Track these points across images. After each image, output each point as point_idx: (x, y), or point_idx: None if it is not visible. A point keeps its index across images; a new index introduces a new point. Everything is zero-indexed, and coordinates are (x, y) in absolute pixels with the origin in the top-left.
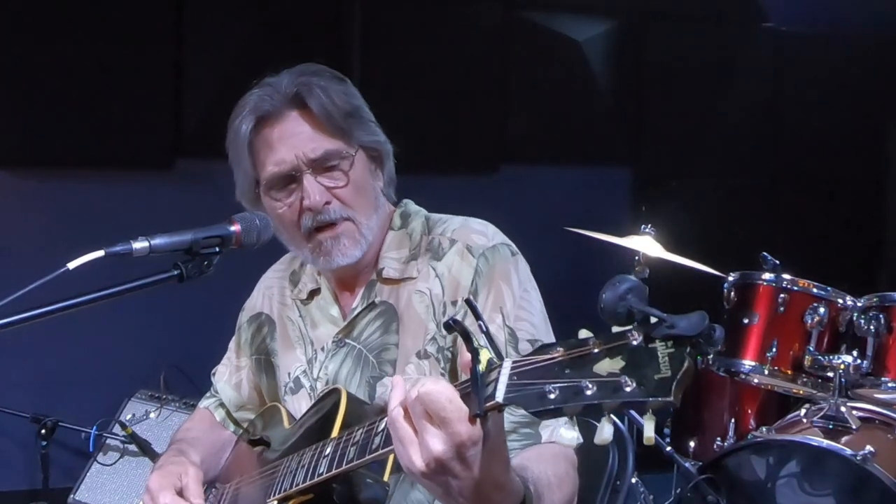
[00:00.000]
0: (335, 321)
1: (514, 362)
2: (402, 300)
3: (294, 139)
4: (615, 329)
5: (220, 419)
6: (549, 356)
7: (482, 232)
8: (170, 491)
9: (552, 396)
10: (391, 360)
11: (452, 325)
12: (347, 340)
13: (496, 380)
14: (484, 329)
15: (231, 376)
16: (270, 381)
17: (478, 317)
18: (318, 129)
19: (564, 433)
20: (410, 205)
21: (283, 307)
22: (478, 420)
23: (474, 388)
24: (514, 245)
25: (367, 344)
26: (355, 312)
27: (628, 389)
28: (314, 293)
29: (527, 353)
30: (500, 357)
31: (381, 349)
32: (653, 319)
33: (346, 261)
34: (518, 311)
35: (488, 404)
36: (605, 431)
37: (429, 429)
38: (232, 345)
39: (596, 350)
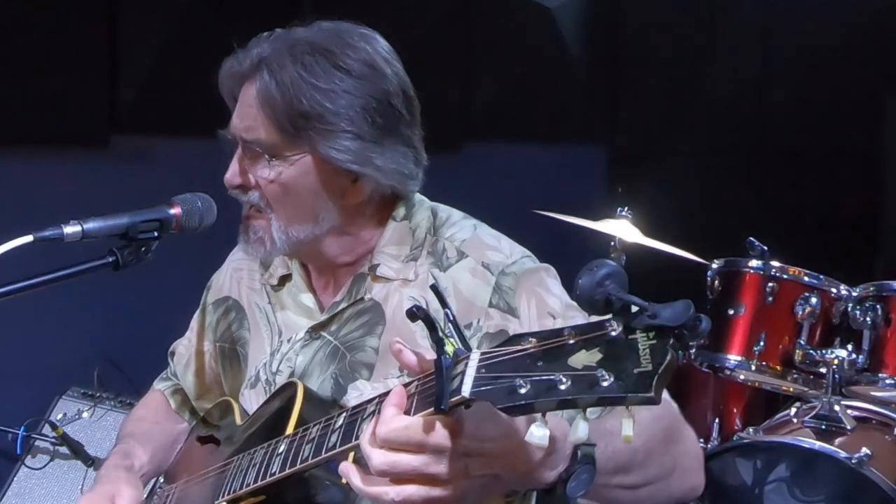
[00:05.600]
0: (309, 313)
1: (482, 353)
2: (392, 302)
3: (243, 108)
4: (592, 318)
5: (175, 407)
6: (520, 347)
7: (496, 247)
8: None
9: (523, 391)
10: (369, 363)
11: (415, 313)
12: (323, 333)
13: (463, 372)
14: (451, 318)
15: (191, 362)
16: (235, 372)
17: (444, 304)
18: (260, 112)
19: (535, 431)
20: (415, 194)
21: (252, 292)
22: (441, 419)
23: (439, 382)
24: (533, 255)
25: (344, 341)
26: (339, 307)
27: (605, 384)
28: (285, 279)
29: (496, 344)
30: (468, 348)
31: (358, 349)
32: (633, 308)
33: (247, 252)
34: (567, 310)
35: (453, 399)
36: (579, 430)
37: (417, 460)
38: (194, 324)
39: (571, 341)
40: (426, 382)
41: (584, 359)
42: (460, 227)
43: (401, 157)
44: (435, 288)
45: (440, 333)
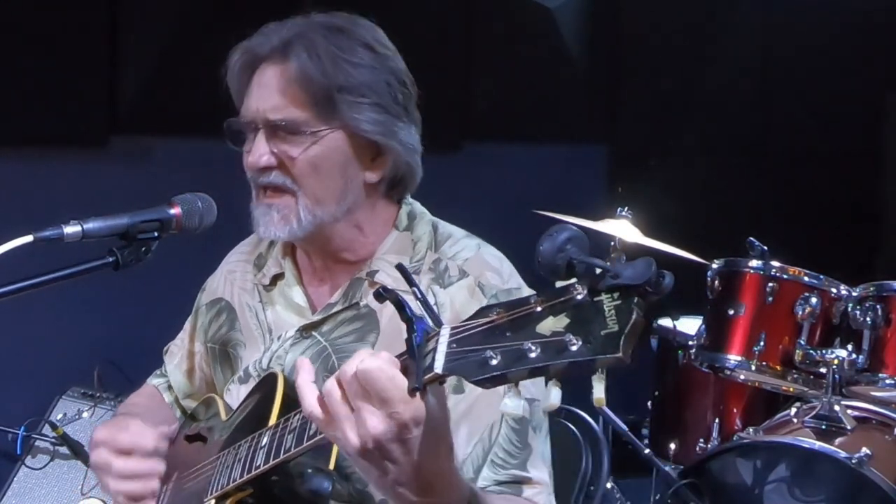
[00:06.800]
0: (300, 310)
1: (452, 328)
2: (388, 311)
3: (265, 90)
4: (557, 284)
5: (169, 402)
6: (489, 319)
7: (497, 269)
8: (125, 430)
9: (494, 362)
10: None
11: (383, 294)
12: (314, 333)
13: (434, 349)
14: (420, 296)
15: (182, 361)
16: (226, 373)
17: (411, 283)
18: (291, 90)
19: (508, 402)
20: (416, 204)
21: (243, 292)
22: (419, 398)
23: (412, 360)
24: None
25: (334, 343)
26: (333, 309)
27: (574, 348)
28: (277, 278)
29: (466, 318)
30: (438, 324)
31: (347, 354)
32: (597, 271)
33: (268, 234)
34: None
35: (427, 376)
36: (552, 396)
37: (367, 407)
38: (187, 325)
39: (538, 308)
40: (400, 362)
41: (551, 325)
42: (463, 245)
43: (416, 134)
44: (401, 267)
45: (409, 312)
